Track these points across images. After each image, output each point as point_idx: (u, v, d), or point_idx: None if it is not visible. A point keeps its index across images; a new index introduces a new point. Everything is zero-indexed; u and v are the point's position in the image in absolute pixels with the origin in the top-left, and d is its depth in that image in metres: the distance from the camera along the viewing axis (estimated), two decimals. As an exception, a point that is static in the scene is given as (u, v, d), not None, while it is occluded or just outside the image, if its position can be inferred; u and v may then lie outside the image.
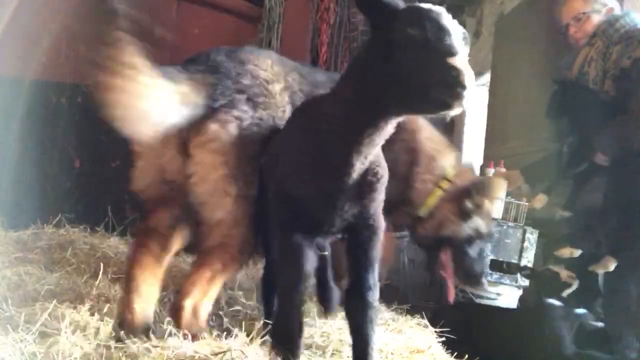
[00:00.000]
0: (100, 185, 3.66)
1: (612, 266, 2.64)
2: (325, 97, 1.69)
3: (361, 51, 1.60)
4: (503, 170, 3.43)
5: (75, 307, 1.97)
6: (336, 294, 2.20)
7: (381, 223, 1.77)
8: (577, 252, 2.83)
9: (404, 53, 1.38)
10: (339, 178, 1.59)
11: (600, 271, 2.68)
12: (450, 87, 1.31)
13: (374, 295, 1.71)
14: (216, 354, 1.62)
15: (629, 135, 2.69)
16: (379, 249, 1.75)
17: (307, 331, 2.10)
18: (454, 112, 1.36)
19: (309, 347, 1.95)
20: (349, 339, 1.78)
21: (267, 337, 1.80)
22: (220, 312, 2.33)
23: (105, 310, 2.03)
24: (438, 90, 1.33)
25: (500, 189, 3.06)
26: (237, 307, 2.45)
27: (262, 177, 1.95)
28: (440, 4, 1.44)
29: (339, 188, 1.62)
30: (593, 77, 2.88)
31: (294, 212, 1.70)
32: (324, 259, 2.18)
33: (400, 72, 1.39)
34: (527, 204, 3.87)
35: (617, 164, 2.77)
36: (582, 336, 2.52)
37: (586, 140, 2.87)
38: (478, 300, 3.58)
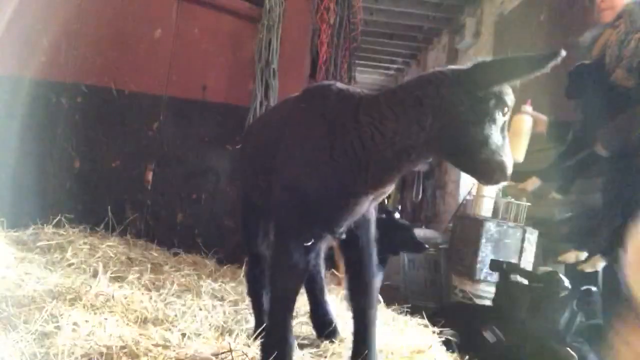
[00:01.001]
0: (100, 185, 3.65)
1: (600, 265, 2.63)
2: (363, 116, 1.53)
3: (435, 96, 1.47)
4: (530, 110, 3.18)
5: (75, 307, 1.97)
6: (332, 312, 2.15)
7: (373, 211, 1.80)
8: (583, 255, 2.75)
9: (489, 126, 1.45)
10: (364, 194, 1.58)
11: (589, 270, 2.67)
12: (505, 172, 1.48)
13: (375, 287, 1.76)
14: (217, 354, 1.62)
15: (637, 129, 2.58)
16: (373, 234, 1.78)
17: (306, 331, 2.09)
18: (490, 184, 1.60)
19: (308, 347, 1.95)
20: (349, 339, 1.78)
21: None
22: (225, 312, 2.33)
23: (104, 310, 2.02)
24: (498, 171, 1.47)
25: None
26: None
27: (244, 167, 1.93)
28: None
29: (360, 196, 1.60)
30: (608, 63, 2.71)
31: (303, 209, 1.60)
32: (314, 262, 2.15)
33: (479, 144, 1.45)
34: (527, 204, 3.87)
35: (618, 158, 2.68)
36: (579, 331, 2.52)
37: (589, 128, 2.79)
38: (477, 301, 3.58)
